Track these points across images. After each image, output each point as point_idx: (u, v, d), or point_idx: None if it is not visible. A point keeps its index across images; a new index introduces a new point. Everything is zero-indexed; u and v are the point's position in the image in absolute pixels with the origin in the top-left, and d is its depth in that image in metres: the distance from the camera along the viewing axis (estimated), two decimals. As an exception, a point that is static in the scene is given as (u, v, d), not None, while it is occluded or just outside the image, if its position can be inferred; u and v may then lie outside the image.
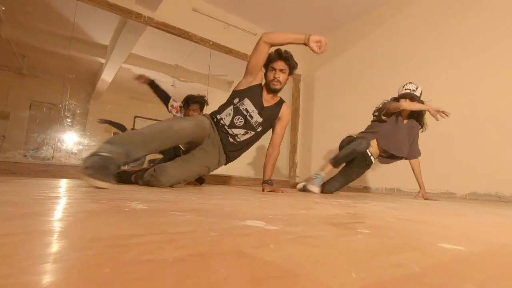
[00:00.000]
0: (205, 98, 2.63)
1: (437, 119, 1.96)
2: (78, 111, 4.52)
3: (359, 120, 3.65)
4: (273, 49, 1.67)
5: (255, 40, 1.64)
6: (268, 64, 1.74)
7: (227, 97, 1.76)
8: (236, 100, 1.67)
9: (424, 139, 2.81)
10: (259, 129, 1.73)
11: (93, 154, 1.10)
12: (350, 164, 2.36)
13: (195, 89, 5.42)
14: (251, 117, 1.67)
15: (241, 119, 1.66)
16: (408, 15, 3.29)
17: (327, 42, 1.53)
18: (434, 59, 2.99)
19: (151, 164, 2.51)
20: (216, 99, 5.55)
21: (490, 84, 2.58)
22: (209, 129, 1.58)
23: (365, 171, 2.43)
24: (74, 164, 2.80)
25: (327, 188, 2.31)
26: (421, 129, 2.34)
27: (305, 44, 1.55)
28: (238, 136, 1.68)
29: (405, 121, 2.33)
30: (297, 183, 4.35)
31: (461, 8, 2.85)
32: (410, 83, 2.30)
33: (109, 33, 4.12)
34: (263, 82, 1.79)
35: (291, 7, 3.64)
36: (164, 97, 2.81)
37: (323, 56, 4.36)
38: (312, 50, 1.54)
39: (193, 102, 2.58)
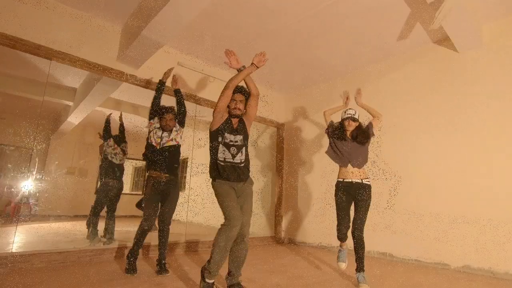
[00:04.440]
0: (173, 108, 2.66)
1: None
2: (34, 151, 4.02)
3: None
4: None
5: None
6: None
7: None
8: (220, 139, 1.95)
9: (421, 209, 2.86)
10: (245, 142, 2.04)
11: None
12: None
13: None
14: (236, 141, 1.98)
15: (234, 148, 1.96)
16: (391, 80, 3.41)
17: (264, 54, 1.97)
18: (416, 125, 3.11)
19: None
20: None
21: (476, 157, 2.70)
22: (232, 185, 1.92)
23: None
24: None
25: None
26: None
27: (257, 67, 1.94)
28: (240, 160, 1.96)
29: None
30: (283, 238, 4.19)
31: (440, 82, 3.02)
32: (350, 108, 2.44)
33: (79, 77, 3.79)
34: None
35: (277, 60, 3.62)
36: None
37: (308, 107, 4.40)
38: (260, 65, 1.96)
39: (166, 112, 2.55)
